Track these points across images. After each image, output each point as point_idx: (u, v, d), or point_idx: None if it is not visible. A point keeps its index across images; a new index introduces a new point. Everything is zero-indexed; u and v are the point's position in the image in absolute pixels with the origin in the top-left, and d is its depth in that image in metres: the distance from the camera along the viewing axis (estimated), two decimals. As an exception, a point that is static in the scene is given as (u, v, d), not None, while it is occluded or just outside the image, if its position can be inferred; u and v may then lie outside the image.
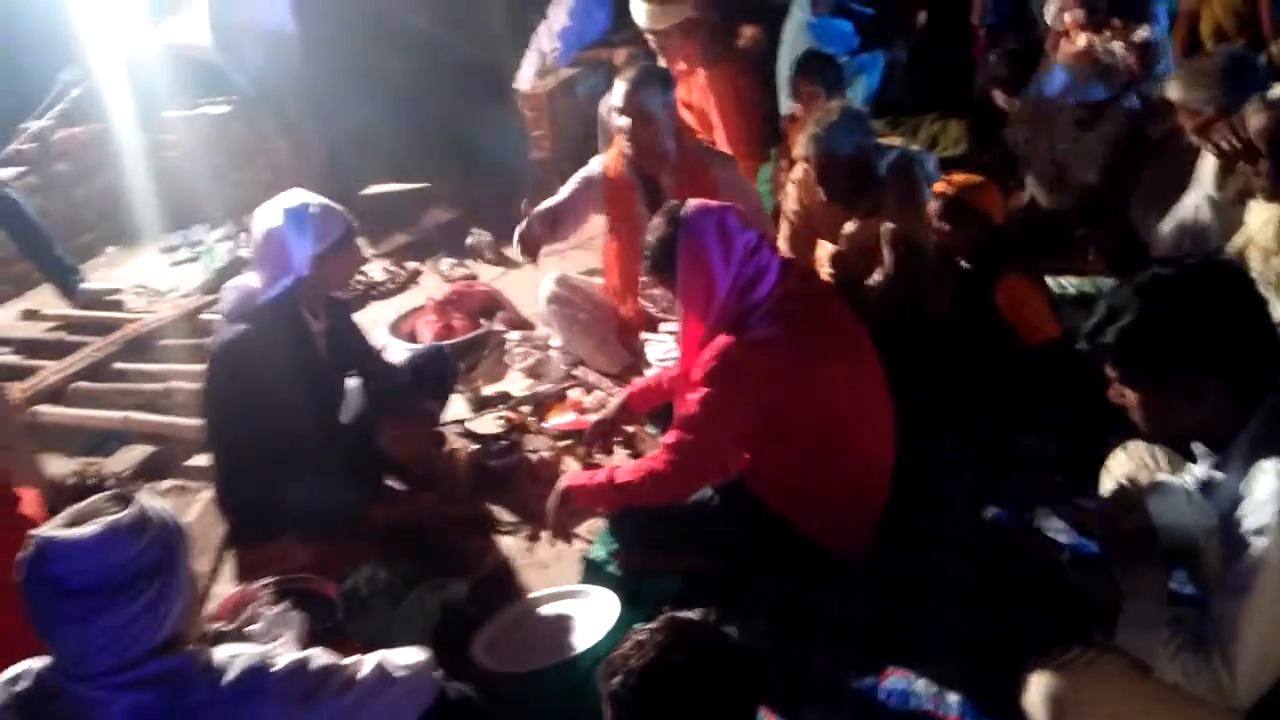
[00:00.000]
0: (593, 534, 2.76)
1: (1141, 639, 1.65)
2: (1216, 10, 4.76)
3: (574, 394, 3.48)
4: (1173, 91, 3.05)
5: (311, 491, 2.64)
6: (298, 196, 2.74)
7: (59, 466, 3.28)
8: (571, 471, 2.89)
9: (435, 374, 3.22)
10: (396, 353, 3.52)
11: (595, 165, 3.53)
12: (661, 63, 4.22)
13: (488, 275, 4.65)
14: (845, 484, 2.44)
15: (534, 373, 3.67)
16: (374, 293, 4.61)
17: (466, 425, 3.32)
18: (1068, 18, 4.34)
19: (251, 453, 2.68)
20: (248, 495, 2.73)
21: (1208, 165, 3.24)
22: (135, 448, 3.40)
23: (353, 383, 3.07)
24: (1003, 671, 1.86)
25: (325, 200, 2.77)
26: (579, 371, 3.60)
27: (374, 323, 3.95)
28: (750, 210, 3.19)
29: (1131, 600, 1.72)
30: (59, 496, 3.03)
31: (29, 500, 2.38)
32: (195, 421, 3.30)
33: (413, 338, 3.92)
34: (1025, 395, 3.04)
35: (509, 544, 2.82)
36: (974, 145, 4.88)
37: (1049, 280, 3.39)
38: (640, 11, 4.32)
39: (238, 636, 2.15)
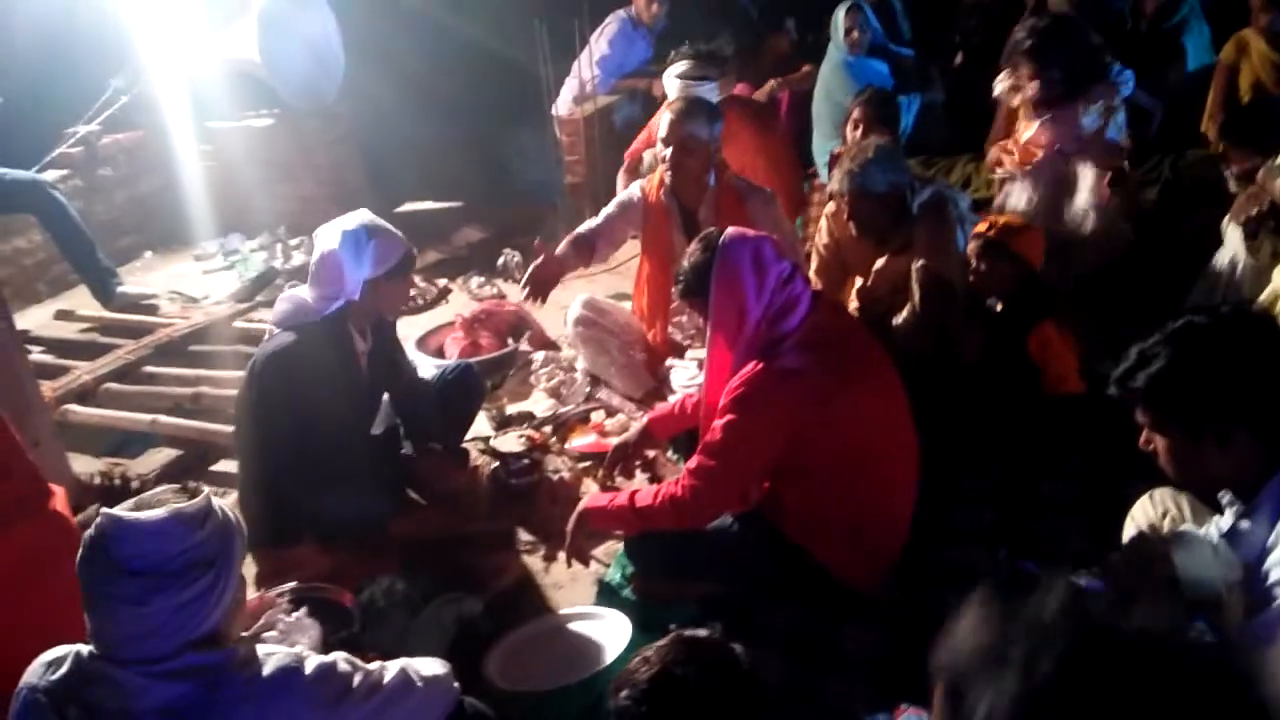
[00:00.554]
0: (609, 556, 2.76)
1: None
2: (1255, 64, 4.77)
3: (596, 416, 3.50)
4: (1225, 135, 3.10)
5: (338, 500, 2.67)
6: (359, 219, 2.76)
7: (85, 466, 3.32)
8: (591, 493, 2.90)
9: (463, 390, 3.24)
10: (424, 368, 3.55)
11: (634, 189, 3.57)
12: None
13: (516, 295, 4.69)
14: (866, 518, 2.42)
15: (557, 393, 3.69)
16: (404, 307, 4.66)
17: (489, 442, 3.34)
18: (1017, 99, 4.03)
19: (283, 459, 2.70)
20: (274, 499, 2.76)
21: (1233, 228, 3.26)
22: (161, 450, 3.44)
23: (385, 398, 3.10)
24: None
25: (386, 226, 2.78)
26: (602, 394, 3.62)
27: (403, 337, 3.98)
28: (784, 244, 3.21)
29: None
30: (84, 495, 3.08)
31: (58, 497, 2.41)
32: (222, 427, 3.34)
33: (440, 353, 3.97)
34: (1046, 441, 3.02)
35: (526, 562, 2.83)
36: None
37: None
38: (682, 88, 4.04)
39: (253, 642, 2.17)
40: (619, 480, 3.01)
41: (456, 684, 1.74)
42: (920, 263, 3.20)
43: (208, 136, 5.68)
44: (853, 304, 3.45)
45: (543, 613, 2.60)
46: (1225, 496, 1.67)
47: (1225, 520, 1.70)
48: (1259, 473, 1.56)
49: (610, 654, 2.29)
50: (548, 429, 3.44)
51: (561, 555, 2.66)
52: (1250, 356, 1.55)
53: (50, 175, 5.07)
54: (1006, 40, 5.68)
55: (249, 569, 2.84)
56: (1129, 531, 2.10)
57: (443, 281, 4.98)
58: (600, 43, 5.85)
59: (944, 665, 0.89)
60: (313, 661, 1.52)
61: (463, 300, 4.70)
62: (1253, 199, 3.12)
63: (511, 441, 3.30)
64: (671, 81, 4.10)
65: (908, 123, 5.42)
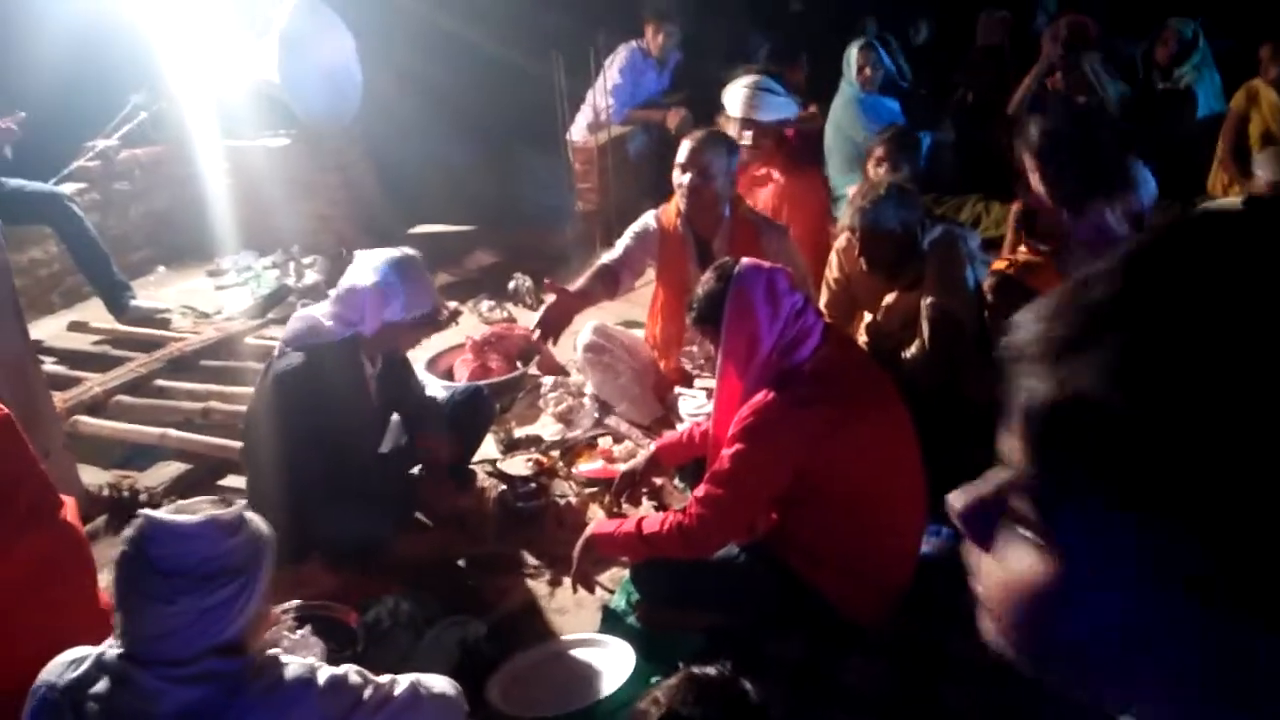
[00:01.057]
0: (614, 583, 2.76)
1: None
2: (1265, 114, 4.82)
3: (604, 442, 3.50)
4: (1263, 171, 3.16)
5: (346, 519, 2.67)
6: (397, 262, 2.76)
7: (93, 477, 3.33)
8: (598, 520, 2.90)
9: (472, 412, 3.25)
10: (433, 389, 3.56)
11: (649, 219, 3.59)
12: (743, 154, 4.00)
13: (526, 319, 4.72)
14: (872, 553, 2.43)
15: (565, 418, 3.70)
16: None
17: (496, 465, 3.35)
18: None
19: (292, 475, 2.71)
20: (283, 516, 2.75)
21: None
22: (170, 464, 3.45)
23: (394, 417, 3.11)
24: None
25: (421, 275, 2.82)
26: (610, 420, 3.63)
27: (412, 358, 4.00)
28: (796, 277, 3.23)
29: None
30: (93, 506, 3.09)
31: (69, 507, 2.42)
32: (231, 442, 3.35)
33: (449, 375, 3.98)
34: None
35: (531, 586, 2.83)
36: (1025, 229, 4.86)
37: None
38: (746, 102, 4.10)
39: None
40: (625, 507, 3.01)
41: (466, 707, 1.75)
42: (930, 299, 3.22)
43: (225, 154, 5.73)
44: (861, 338, 3.47)
45: (547, 638, 2.60)
46: None
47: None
48: None
49: (613, 683, 2.28)
50: (555, 453, 3.45)
51: (567, 580, 2.66)
52: None
53: (68, 188, 5.12)
54: (1015, 82, 5.77)
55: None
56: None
57: (453, 304, 5.00)
58: (612, 71, 5.95)
59: None
60: (325, 673, 1.55)
61: (473, 323, 4.72)
62: None
63: (519, 465, 3.30)
64: (737, 91, 4.13)
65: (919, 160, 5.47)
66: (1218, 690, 0.46)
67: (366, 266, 2.75)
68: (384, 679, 1.64)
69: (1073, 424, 0.47)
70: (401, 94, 6.10)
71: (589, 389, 3.75)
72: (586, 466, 3.38)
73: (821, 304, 3.66)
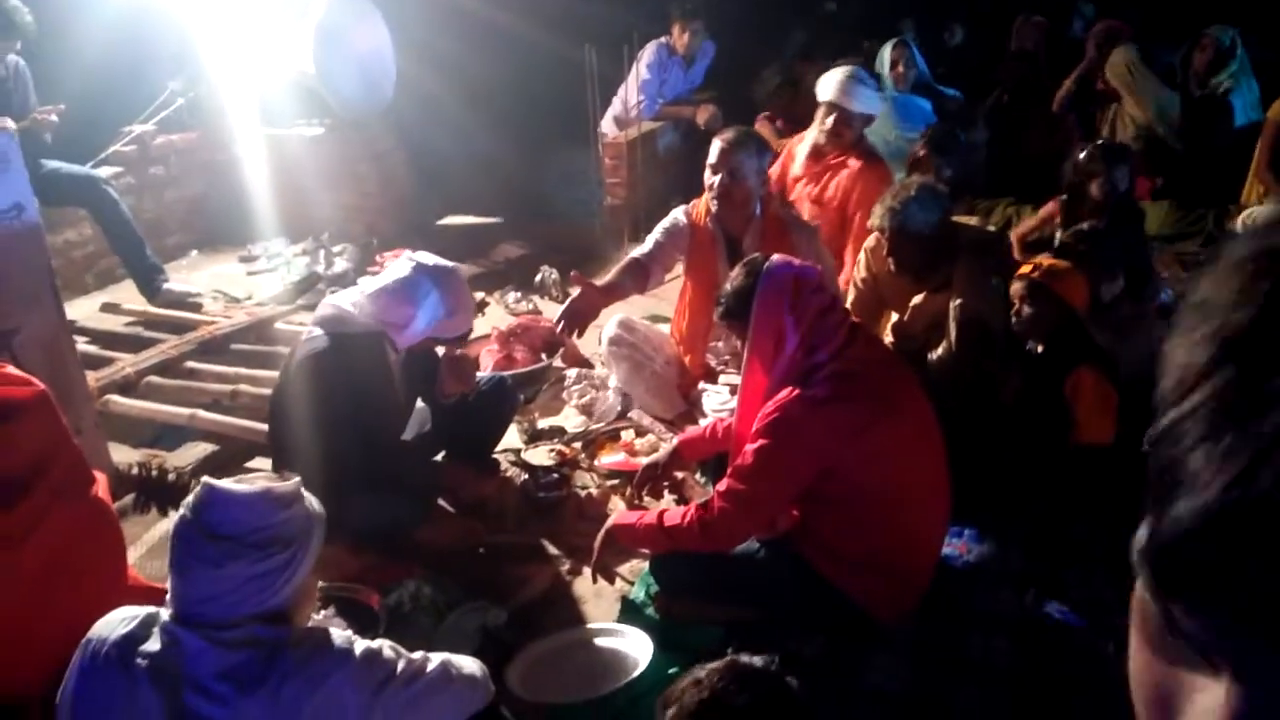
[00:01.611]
0: (634, 574, 2.77)
1: None
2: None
3: (626, 435, 3.51)
4: None
5: (371, 503, 2.70)
6: (446, 286, 2.80)
7: (123, 456, 3.38)
8: (619, 511, 2.91)
9: (496, 401, 3.27)
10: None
11: (679, 214, 3.59)
12: (820, 139, 4.16)
13: (552, 312, 4.73)
14: (895, 552, 2.42)
15: (589, 410, 3.72)
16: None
17: (520, 455, 3.37)
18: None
19: (320, 459, 2.73)
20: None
21: None
22: (198, 445, 3.50)
23: (420, 404, 3.14)
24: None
25: (464, 299, 2.88)
26: (633, 413, 3.64)
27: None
28: (825, 276, 3.23)
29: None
30: (121, 484, 3.13)
31: (100, 483, 2.46)
32: (259, 425, 3.39)
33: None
34: (1079, 487, 3.00)
35: (550, 576, 2.85)
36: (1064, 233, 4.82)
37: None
38: (839, 87, 4.11)
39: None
40: (646, 500, 3.02)
41: (492, 688, 1.79)
42: (959, 301, 3.21)
43: (261, 142, 5.79)
44: (887, 338, 3.46)
45: (566, 626, 2.62)
46: None
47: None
48: None
49: (630, 672, 2.30)
50: (578, 445, 3.46)
51: (587, 570, 2.67)
52: None
53: (104, 171, 5.19)
54: (1052, 87, 5.73)
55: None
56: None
57: (480, 295, 5.03)
58: (640, 67, 5.99)
59: None
60: (361, 645, 1.58)
61: (499, 314, 4.75)
62: None
63: (542, 455, 3.32)
64: (834, 75, 4.15)
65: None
66: None
67: (413, 284, 2.77)
68: (416, 655, 1.67)
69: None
70: (436, 84, 6.13)
71: (613, 382, 3.76)
72: (609, 459, 3.40)
73: (848, 303, 3.65)
